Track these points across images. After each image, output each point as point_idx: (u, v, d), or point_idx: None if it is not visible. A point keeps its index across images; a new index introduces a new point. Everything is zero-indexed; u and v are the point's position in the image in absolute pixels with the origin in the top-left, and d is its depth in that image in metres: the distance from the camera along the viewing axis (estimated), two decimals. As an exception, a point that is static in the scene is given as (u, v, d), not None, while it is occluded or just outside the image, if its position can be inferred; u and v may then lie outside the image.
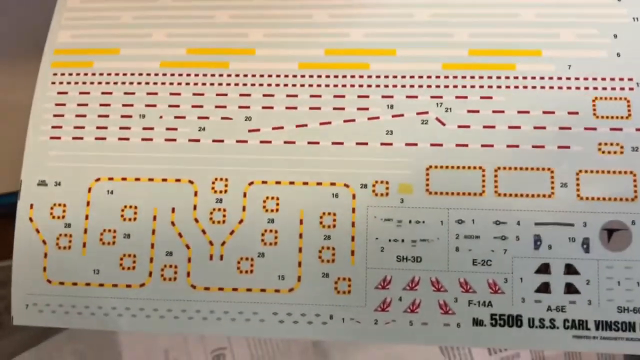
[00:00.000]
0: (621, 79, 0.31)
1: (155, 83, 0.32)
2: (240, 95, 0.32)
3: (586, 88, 0.31)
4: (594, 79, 0.31)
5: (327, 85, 0.32)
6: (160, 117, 0.32)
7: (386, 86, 0.32)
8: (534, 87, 0.31)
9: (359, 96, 0.32)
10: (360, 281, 0.30)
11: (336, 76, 0.32)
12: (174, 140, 0.32)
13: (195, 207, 0.31)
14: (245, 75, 0.32)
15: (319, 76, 0.32)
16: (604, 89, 0.31)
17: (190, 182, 0.31)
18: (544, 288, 0.29)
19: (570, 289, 0.29)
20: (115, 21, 0.34)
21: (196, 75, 0.32)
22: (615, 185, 0.30)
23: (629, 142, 0.30)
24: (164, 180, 0.31)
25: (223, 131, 0.32)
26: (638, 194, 0.30)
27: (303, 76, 0.32)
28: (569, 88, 0.31)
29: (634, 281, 0.29)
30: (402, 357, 0.38)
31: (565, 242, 0.29)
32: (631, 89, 0.31)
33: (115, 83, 0.33)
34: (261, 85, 0.32)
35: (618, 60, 0.31)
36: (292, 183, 0.31)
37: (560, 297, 0.29)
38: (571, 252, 0.29)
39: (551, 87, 0.31)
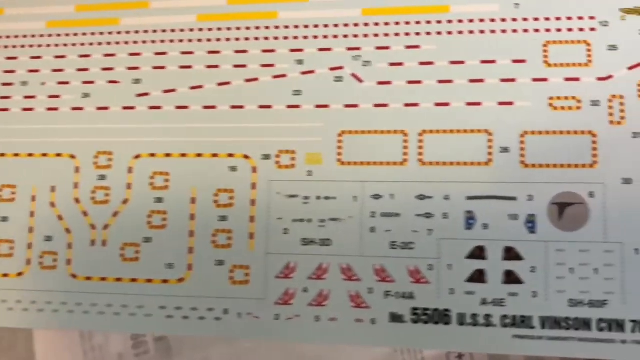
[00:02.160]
0: (580, 18, 0.24)
1: (40, 45, 0.28)
2: (130, 54, 0.27)
3: (536, 30, 0.25)
4: (547, 19, 0.25)
5: (227, 40, 0.27)
6: (43, 83, 0.27)
7: (295, 38, 0.26)
8: (471, 32, 0.25)
9: (263, 51, 0.26)
10: (260, 269, 0.25)
11: (238, 28, 0.27)
12: (56, 109, 0.27)
13: (76, 186, 0.26)
14: (137, 32, 0.27)
15: (219, 29, 0.27)
16: (559, 30, 0.24)
17: (72, 156, 0.27)
18: (478, 277, 0.23)
19: (510, 277, 0.23)
20: (1, -22, 0.29)
21: (84, 34, 0.28)
22: (569, 148, 0.24)
23: (588, 95, 0.24)
24: (44, 155, 0.27)
25: (109, 97, 0.27)
26: (598, 159, 0.23)
27: (201, 30, 0.27)
28: (514, 31, 0.25)
29: (591, 267, 0.23)
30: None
31: (504, 220, 0.23)
32: (592, 29, 0.24)
33: (-3, 47, 0.28)
34: (153, 42, 0.27)
35: (578, -5, 0.25)
36: (183, 155, 0.26)
37: (498, 288, 0.23)
38: (512, 232, 0.23)
39: (492, 32, 0.25)
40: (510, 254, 0.24)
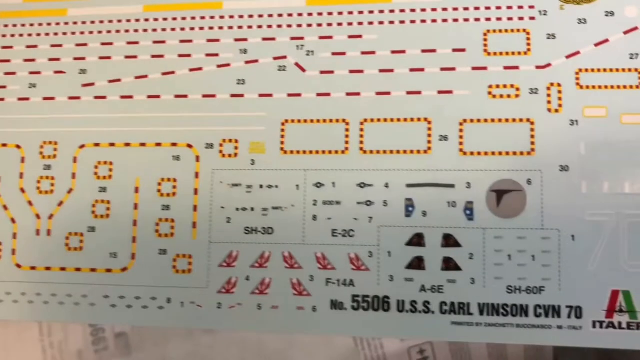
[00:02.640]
0: (520, 7, 0.24)
1: (-13, 36, 0.28)
2: (77, 45, 0.27)
3: (477, 20, 0.25)
4: (487, 8, 0.25)
5: (173, 29, 0.26)
6: (-10, 74, 0.27)
7: (240, 27, 0.26)
8: (412, 22, 0.25)
9: (208, 40, 0.26)
10: (203, 258, 0.24)
11: (184, 18, 0.26)
12: (2, 99, 0.27)
13: (21, 176, 0.26)
14: (84, 23, 0.27)
15: (165, 19, 0.26)
16: (499, 19, 0.24)
17: (18, 146, 0.26)
18: (417, 264, 0.23)
19: (448, 264, 0.23)
20: (-49, -31, 0.29)
21: (31, 25, 0.27)
22: (507, 136, 0.23)
23: (527, 83, 0.24)
24: (-10, 145, 0.26)
25: (55, 87, 0.27)
26: (536, 147, 0.23)
27: (147, 20, 0.27)
28: (455, 21, 0.25)
29: (528, 254, 0.23)
30: (300, 340, 0.32)
31: (443, 208, 0.23)
32: (532, 18, 0.24)
33: (-55, 38, 0.28)
34: (100, 32, 0.27)
35: (518, -16, 0.25)
36: (127, 145, 0.26)
37: (437, 275, 0.23)
38: (451, 219, 0.23)
39: (434, 21, 0.25)
40: (449, 241, 0.24)
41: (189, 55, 0.26)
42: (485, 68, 0.24)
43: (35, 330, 0.34)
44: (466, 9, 0.25)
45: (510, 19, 0.25)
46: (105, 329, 0.33)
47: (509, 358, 0.33)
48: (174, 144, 0.26)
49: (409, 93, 0.25)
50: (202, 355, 0.33)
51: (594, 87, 0.24)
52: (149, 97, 0.26)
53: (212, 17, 0.27)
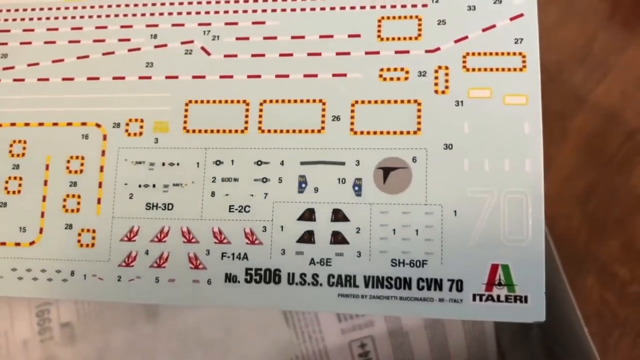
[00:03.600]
0: (414, -5, 0.25)
1: None
2: (0, 31, 0.27)
3: (372, 7, 0.25)
4: (383, -4, 0.25)
5: (90, 17, 0.27)
6: None
7: (152, 14, 0.27)
8: (312, 9, 0.26)
9: (121, 26, 0.27)
10: (105, 233, 0.25)
11: (101, 6, 0.27)
12: None
13: (-60, 154, 0.26)
14: (8, 11, 0.28)
15: (84, 7, 0.27)
16: (393, 6, 0.25)
17: (-62, 126, 0.27)
18: (308, 238, 0.24)
19: (337, 238, 0.23)
20: None
21: (-41, 12, 0.28)
22: (395, 116, 0.24)
23: (416, 66, 0.24)
24: None
25: (-23, 70, 0.27)
26: (422, 127, 0.24)
27: (67, 8, 0.27)
28: (352, 8, 0.25)
29: (412, 229, 0.23)
30: (238, 330, 0.32)
31: (333, 184, 0.24)
32: (425, 5, 0.25)
33: None
34: (22, 19, 0.28)
35: (413, -26, 0.25)
36: (41, 124, 0.26)
37: (326, 248, 0.24)
38: (340, 195, 0.24)
39: (332, 8, 0.25)
40: (338, 215, 0.24)
41: (103, 41, 0.27)
42: (377, 52, 0.25)
43: None
44: (363, -4, 0.26)
45: (404, 6, 0.25)
46: (51, 318, 0.34)
47: (450, 354, 0.33)
48: (84, 124, 0.26)
49: (305, 76, 0.25)
50: (143, 343, 0.33)
51: (479, 69, 0.24)
52: (64, 79, 0.27)
53: (127, 5, 0.27)
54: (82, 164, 0.26)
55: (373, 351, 0.32)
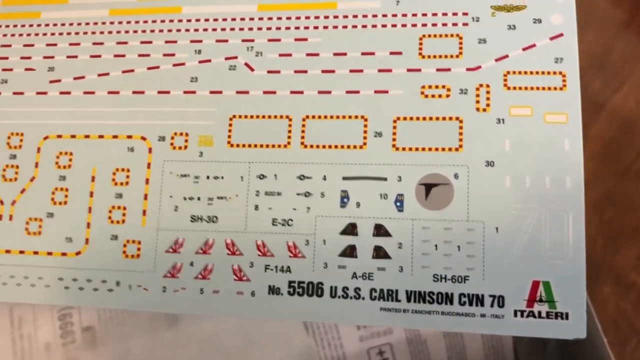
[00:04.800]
0: (454, 14, 0.25)
1: (-34, 36, 0.28)
2: (47, 45, 0.28)
3: (413, 25, 0.25)
4: (424, 14, 0.25)
5: (135, 32, 0.27)
6: (-35, 70, 0.28)
7: (196, 30, 0.27)
8: (354, 27, 0.25)
9: (166, 42, 0.27)
10: (150, 244, 0.25)
11: (145, 22, 0.27)
12: (-24, 94, 0.27)
13: (-12, 164, 0.26)
14: (55, 25, 0.28)
15: (128, 22, 0.27)
16: (434, 25, 0.25)
17: (-13, 137, 0.27)
18: (350, 252, 0.23)
19: (379, 253, 0.23)
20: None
21: (6, 26, 0.28)
22: (437, 133, 0.24)
23: (458, 83, 0.24)
24: (-39, 136, 0.27)
25: (25, 83, 0.27)
26: (464, 144, 0.23)
27: (112, 23, 0.27)
28: (394, 26, 0.25)
29: (454, 245, 0.23)
30: (258, 337, 0.32)
31: (375, 199, 0.24)
32: (465, 24, 0.25)
33: None
34: (69, 34, 0.28)
35: (454, -7, 0.25)
36: (87, 137, 0.26)
37: (368, 263, 0.23)
38: (382, 210, 0.23)
39: (374, 26, 0.25)
40: (380, 230, 0.24)
41: (148, 55, 0.27)
42: (419, 70, 0.25)
43: (6, 321, 0.34)
44: (404, 15, 0.26)
45: (444, 24, 0.25)
46: (73, 322, 0.34)
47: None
48: (129, 137, 0.26)
49: (348, 92, 0.25)
50: (163, 350, 0.33)
51: (520, 88, 0.24)
52: (109, 92, 0.27)
53: (171, 21, 0.27)
54: (127, 176, 0.26)
55: (391, 358, 0.32)
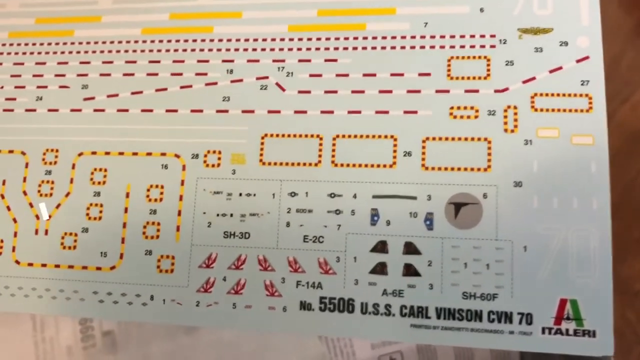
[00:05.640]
0: (482, 36, 0.25)
1: (1, 53, 0.29)
2: (81, 63, 0.28)
3: (442, 47, 0.25)
4: (452, 36, 0.25)
5: (167, 51, 0.27)
6: (1, 87, 0.28)
7: (228, 50, 0.27)
8: (383, 48, 0.26)
9: (198, 61, 0.27)
10: (184, 259, 0.25)
11: (178, 41, 0.27)
12: (12, 110, 0.28)
13: (24, 180, 0.27)
14: (88, 43, 0.28)
15: (161, 41, 0.27)
16: (462, 47, 0.25)
17: (23, 153, 0.27)
18: (380, 269, 0.24)
19: (409, 270, 0.23)
20: (-27, -7, 0.30)
21: (41, 44, 0.29)
22: (466, 153, 0.24)
23: (486, 105, 0.24)
24: (-2, 151, 0.27)
25: (59, 100, 0.27)
26: (492, 164, 0.24)
27: (145, 42, 0.27)
28: (422, 47, 0.25)
29: (483, 263, 0.23)
30: (274, 344, 0.32)
31: (405, 218, 0.24)
32: (492, 46, 0.25)
33: (-35, 54, 0.29)
34: (102, 52, 0.28)
35: (481, 16, 0.25)
36: (121, 154, 0.26)
37: (398, 280, 0.23)
38: (412, 228, 0.24)
39: (402, 47, 0.25)
40: (410, 248, 0.24)
41: (180, 74, 0.27)
42: (447, 91, 0.25)
43: (29, 325, 0.34)
44: (432, 37, 0.26)
45: (472, 46, 0.25)
46: (94, 326, 0.34)
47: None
48: (163, 154, 0.26)
49: (377, 112, 0.25)
50: (182, 355, 0.33)
51: (547, 110, 0.24)
52: (143, 110, 0.27)
53: (203, 40, 0.27)
54: (161, 193, 0.26)
55: (402, 366, 0.32)
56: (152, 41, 0.28)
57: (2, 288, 0.27)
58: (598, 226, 0.23)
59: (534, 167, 0.24)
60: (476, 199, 0.24)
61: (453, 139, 0.24)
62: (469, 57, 0.25)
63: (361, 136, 0.25)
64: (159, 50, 0.28)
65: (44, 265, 0.26)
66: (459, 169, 0.24)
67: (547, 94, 0.24)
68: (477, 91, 0.25)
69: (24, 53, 0.29)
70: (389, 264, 0.24)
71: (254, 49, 0.27)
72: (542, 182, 0.24)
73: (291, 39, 0.27)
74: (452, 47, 0.25)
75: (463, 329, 0.23)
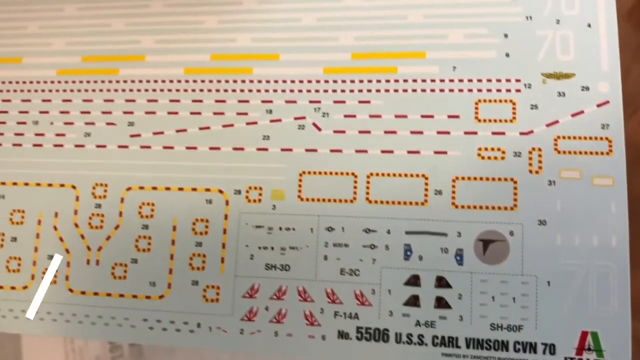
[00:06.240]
0: (508, 80, 0.26)
1: (50, 90, 0.30)
2: (126, 100, 0.29)
3: (469, 90, 0.26)
4: (479, 80, 0.27)
5: (209, 90, 0.29)
6: (51, 123, 0.29)
7: (267, 91, 0.28)
8: (414, 90, 0.27)
9: (239, 101, 0.28)
10: (228, 289, 0.26)
11: (219, 81, 0.29)
12: (61, 145, 0.29)
13: (76, 212, 0.28)
14: (133, 82, 0.29)
15: (203, 81, 0.29)
16: (489, 90, 0.26)
17: (73, 187, 0.28)
18: (413, 301, 0.25)
19: (440, 303, 0.25)
20: (21, 31, 0.31)
21: (87, 82, 0.30)
22: (493, 193, 0.25)
23: (512, 147, 0.26)
24: (50, 185, 0.29)
25: (107, 137, 0.29)
26: (518, 203, 0.25)
27: (187, 81, 0.29)
28: (451, 90, 0.27)
29: (509, 297, 0.24)
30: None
31: (437, 253, 0.25)
32: (518, 90, 0.26)
33: (15, 91, 0.30)
34: (147, 90, 0.29)
35: (507, 60, 0.27)
36: (167, 189, 0.28)
37: (430, 312, 0.25)
38: (443, 263, 0.25)
39: (432, 90, 0.27)
40: (441, 282, 0.25)
41: (222, 113, 0.28)
42: (475, 133, 0.26)
43: (60, 337, 0.35)
44: (460, 80, 0.27)
45: (499, 90, 0.27)
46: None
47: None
48: (207, 189, 0.28)
49: (409, 152, 0.27)
50: None
51: (569, 152, 0.26)
52: (187, 148, 0.28)
53: (243, 81, 0.29)
54: (206, 227, 0.27)
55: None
56: (195, 81, 0.29)
57: (57, 314, 0.28)
58: (617, 263, 0.24)
59: (557, 206, 0.25)
60: (503, 237, 0.25)
61: (481, 178, 0.26)
62: (495, 101, 0.27)
63: (394, 174, 0.27)
64: (201, 90, 0.29)
65: (95, 293, 0.28)
66: (487, 207, 0.26)
67: (569, 137, 0.26)
68: (503, 133, 0.26)
69: (72, 90, 0.30)
70: (422, 296, 0.25)
71: (292, 90, 0.28)
72: (564, 220, 0.25)
73: (326, 81, 0.28)
74: (479, 90, 0.27)
75: (491, 357, 0.25)
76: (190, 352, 0.35)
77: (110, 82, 0.30)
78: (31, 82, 0.31)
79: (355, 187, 0.27)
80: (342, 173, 0.27)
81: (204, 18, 0.30)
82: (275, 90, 0.29)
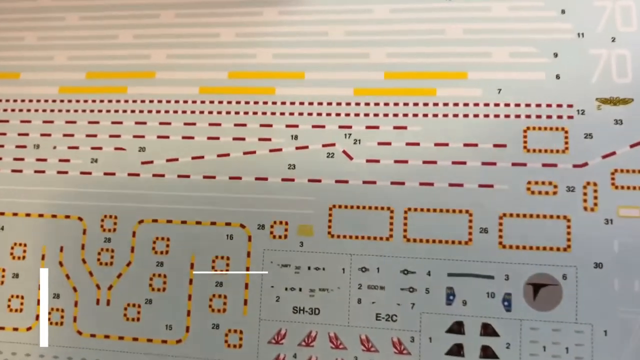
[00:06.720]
0: (559, 106, 0.24)
1: (52, 110, 0.27)
2: (136, 123, 0.26)
3: (517, 116, 0.24)
4: (527, 105, 0.24)
5: (227, 112, 0.26)
6: (54, 147, 0.27)
7: (291, 114, 0.25)
8: (455, 116, 0.24)
9: (261, 125, 0.25)
10: (253, 334, 0.24)
11: (238, 102, 0.26)
12: (66, 172, 0.26)
13: (83, 247, 0.25)
14: (143, 101, 0.26)
15: (220, 102, 0.26)
16: (538, 117, 0.24)
17: (80, 218, 0.26)
18: (457, 350, 0.23)
19: (486, 352, 0.23)
20: (18, 42, 0.28)
21: (93, 101, 0.27)
22: (545, 232, 0.23)
23: (565, 180, 0.23)
24: (54, 216, 0.26)
25: (115, 163, 0.26)
26: (572, 243, 0.22)
27: (203, 102, 0.26)
28: (496, 116, 0.24)
29: (562, 346, 0.22)
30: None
31: (482, 298, 0.23)
32: (570, 117, 0.23)
33: (13, 110, 0.27)
34: (158, 112, 0.26)
35: (557, 83, 0.24)
36: (184, 222, 0.25)
37: (475, 362, 0.23)
38: (489, 309, 0.23)
39: (475, 115, 0.24)
40: (487, 330, 0.23)
41: (243, 139, 0.26)
42: (524, 164, 0.24)
43: None
44: (507, 105, 0.24)
45: (549, 116, 0.24)
46: None
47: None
48: (228, 224, 0.25)
49: (451, 185, 0.24)
50: None
51: (628, 187, 0.23)
52: (205, 177, 0.26)
53: (265, 103, 0.26)
54: (227, 264, 0.25)
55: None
56: (211, 101, 0.26)
57: (64, 359, 0.26)
58: (680, 309, 0.22)
59: (614, 247, 0.23)
60: (556, 280, 0.23)
61: (531, 215, 0.23)
62: (545, 128, 0.24)
63: (434, 210, 0.24)
64: (218, 112, 0.26)
65: (107, 336, 0.25)
66: (537, 248, 0.23)
67: (627, 170, 0.23)
68: (555, 165, 0.24)
69: (76, 110, 0.28)
70: (466, 345, 0.23)
71: (319, 114, 0.26)
72: (623, 263, 0.23)
73: (357, 104, 0.25)
74: (528, 116, 0.24)
75: (542, 412, 0.23)
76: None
77: (118, 101, 0.27)
78: (31, 101, 0.28)
79: (391, 224, 0.24)
80: (376, 207, 0.24)
81: (219, 30, 0.27)
82: (300, 114, 0.26)
